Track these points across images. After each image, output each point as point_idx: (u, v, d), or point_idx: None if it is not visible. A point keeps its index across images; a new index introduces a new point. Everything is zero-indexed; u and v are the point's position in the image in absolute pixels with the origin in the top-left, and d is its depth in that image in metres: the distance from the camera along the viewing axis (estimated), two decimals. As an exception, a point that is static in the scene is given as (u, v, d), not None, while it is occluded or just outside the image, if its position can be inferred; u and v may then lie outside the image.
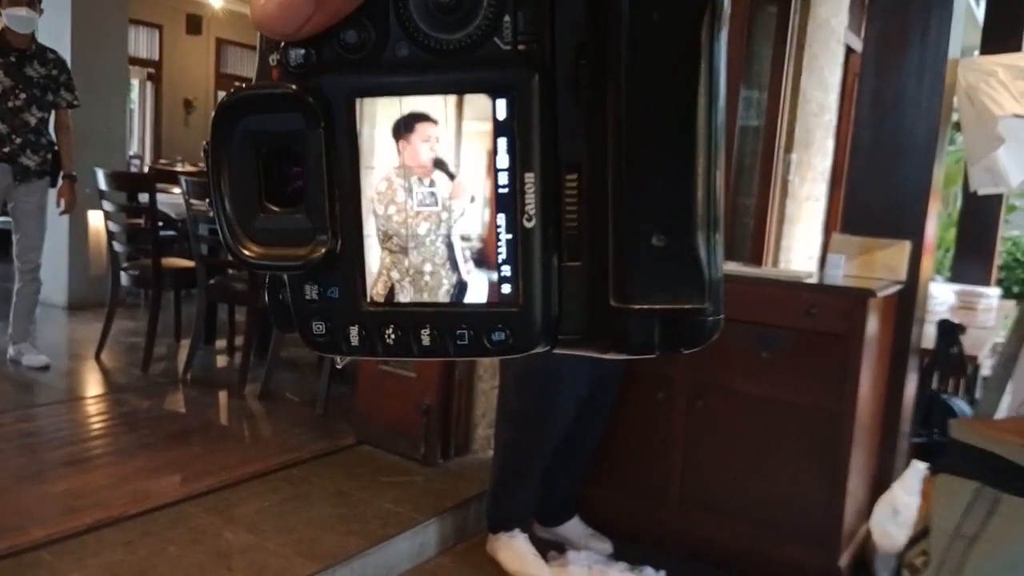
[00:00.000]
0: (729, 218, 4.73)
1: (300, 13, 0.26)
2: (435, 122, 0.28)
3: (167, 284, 4.40)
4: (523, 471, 2.74)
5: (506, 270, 0.28)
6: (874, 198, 3.09)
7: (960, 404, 3.40)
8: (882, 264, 2.97)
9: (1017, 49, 5.41)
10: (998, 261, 5.98)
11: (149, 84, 10.05)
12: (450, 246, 0.29)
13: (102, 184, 4.23)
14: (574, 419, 2.70)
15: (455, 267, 0.29)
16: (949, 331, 3.19)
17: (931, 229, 3.10)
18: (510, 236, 0.28)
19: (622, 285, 0.27)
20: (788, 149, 4.68)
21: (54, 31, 5.54)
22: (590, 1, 0.26)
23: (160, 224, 4.32)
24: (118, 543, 2.50)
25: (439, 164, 0.28)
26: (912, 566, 1.77)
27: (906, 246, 2.97)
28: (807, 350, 2.66)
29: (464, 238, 0.28)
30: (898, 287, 2.92)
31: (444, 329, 0.29)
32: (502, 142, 0.27)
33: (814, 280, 2.96)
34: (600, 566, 2.75)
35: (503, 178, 0.28)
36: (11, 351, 4.20)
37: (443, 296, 0.29)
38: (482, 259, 0.29)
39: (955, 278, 5.44)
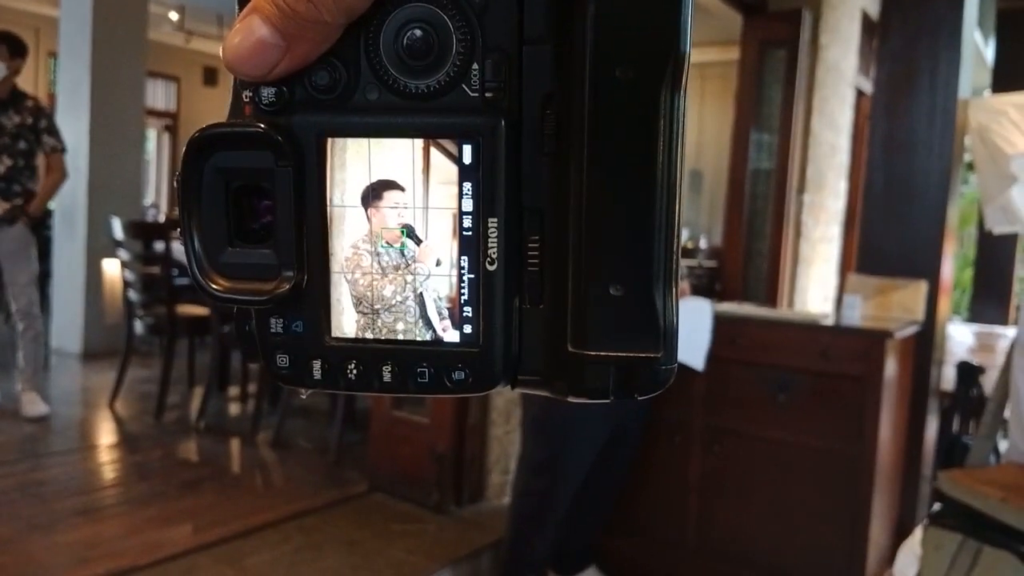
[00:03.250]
0: (743, 260, 4.72)
1: (269, 57, 0.27)
2: (403, 189, 0.28)
3: (181, 332, 4.42)
4: (539, 519, 2.70)
5: (468, 311, 0.29)
6: (889, 239, 3.07)
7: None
8: (898, 305, 2.95)
9: (1027, 89, 5.42)
10: (1015, 300, 5.93)
11: (166, 135, 10.22)
12: (423, 304, 0.29)
13: (118, 233, 4.27)
14: (592, 468, 2.66)
15: (429, 324, 0.29)
16: (968, 372, 3.14)
17: (947, 269, 3.08)
18: (472, 277, 0.28)
19: (580, 332, 0.27)
20: (801, 191, 4.68)
21: (73, 83, 5.66)
22: (556, 54, 0.27)
23: (175, 272, 4.34)
24: (128, 594, 2.47)
25: (406, 230, 0.29)
26: None
27: (922, 286, 2.95)
28: (824, 392, 2.63)
29: (439, 298, 0.29)
30: (915, 328, 2.89)
31: (405, 367, 0.29)
32: (468, 187, 0.28)
33: (830, 321, 2.93)
34: (617, 616, 2.69)
35: (467, 222, 0.28)
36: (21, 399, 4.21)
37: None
38: (456, 316, 0.29)
39: (973, 318, 5.39)
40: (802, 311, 4.20)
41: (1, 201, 4.03)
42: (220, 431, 4.25)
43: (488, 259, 0.28)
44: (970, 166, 3.63)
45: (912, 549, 2.64)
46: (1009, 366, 2.02)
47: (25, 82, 4.70)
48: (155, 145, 10.10)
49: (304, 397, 0.31)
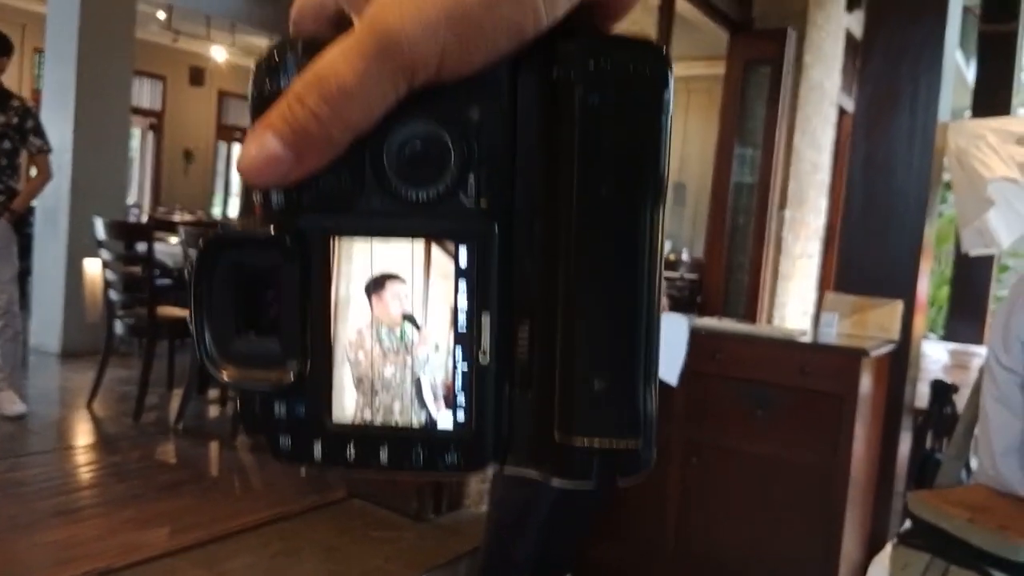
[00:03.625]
0: (724, 273, 4.77)
1: (280, 169, 0.29)
2: (404, 281, 0.31)
3: (162, 333, 4.40)
4: (518, 527, 2.72)
5: (461, 399, 0.31)
6: (867, 258, 3.12)
7: (955, 464, 3.38)
8: (875, 323, 2.99)
9: (1006, 112, 5.52)
10: (991, 320, 6.02)
11: (150, 133, 10.17)
12: (418, 386, 0.31)
13: (100, 233, 4.25)
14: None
15: (423, 405, 0.31)
16: (942, 390, 3.19)
17: (923, 288, 3.13)
18: (466, 367, 0.31)
19: (565, 421, 0.30)
20: (782, 206, 4.74)
21: (59, 81, 5.63)
22: (547, 166, 0.30)
23: (156, 273, 4.33)
24: (105, 597, 2.46)
25: (407, 317, 0.31)
26: None
27: (898, 305, 3.00)
28: (801, 408, 2.67)
29: (435, 382, 0.31)
30: (891, 346, 2.94)
31: (401, 449, 0.31)
32: (463, 284, 0.30)
33: (808, 338, 2.98)
34: (593, 626, 2.71)
35: (462, 316, 0.31)
36: None
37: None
38: (449, 399, 0.31)
39: (948, 337, 5.46)
40: (781, 327, 4.25)
41: None
42: (199, 434, 4.24)
43: (481, 351, 0.30)
44: (948, 186, 3.70)
45: (883, 564, 2.69)
46: (979, 387, 2.06)
47: (10, 78, 4.67)
48: (139, 143, 10.04)
49: (303, 476, 0.33)
